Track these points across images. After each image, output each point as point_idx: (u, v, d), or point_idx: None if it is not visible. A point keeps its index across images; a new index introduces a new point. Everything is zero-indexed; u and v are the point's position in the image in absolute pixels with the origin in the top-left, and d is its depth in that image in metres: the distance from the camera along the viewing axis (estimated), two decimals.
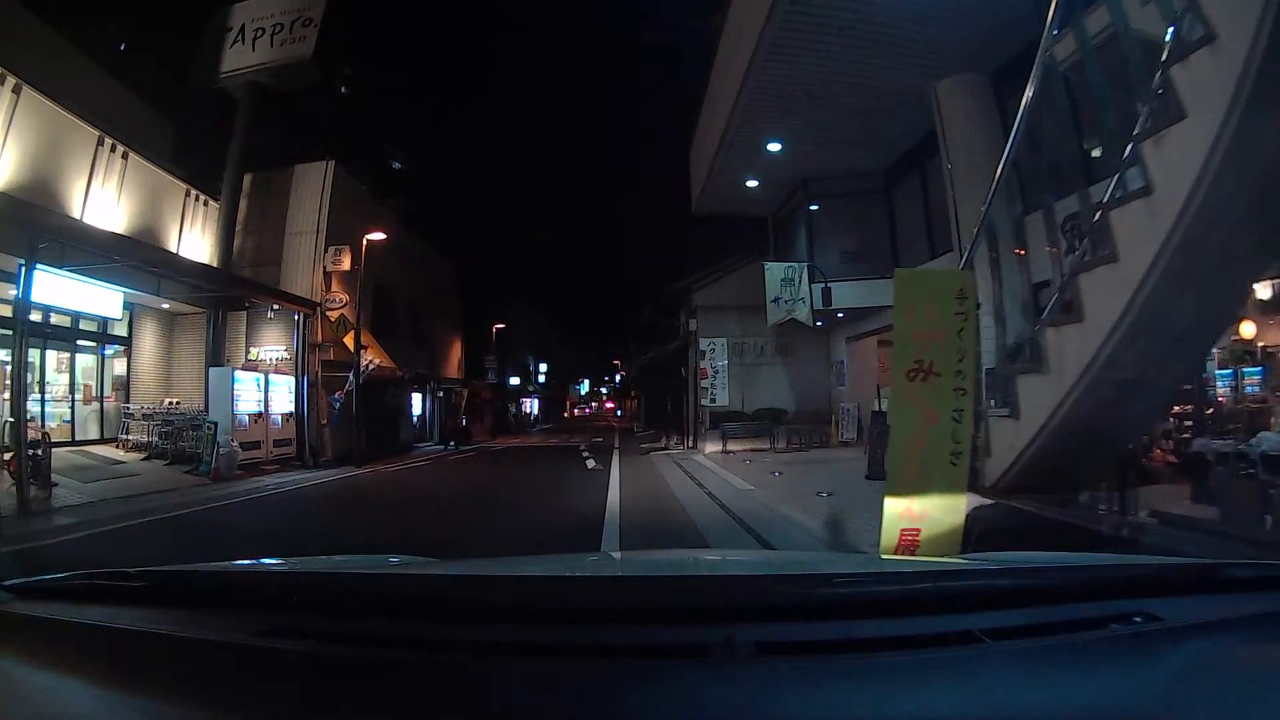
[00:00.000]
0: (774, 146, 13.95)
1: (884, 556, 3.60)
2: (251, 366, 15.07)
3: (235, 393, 13.44)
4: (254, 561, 1.82)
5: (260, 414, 14.15)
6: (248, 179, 17.32)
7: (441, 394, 26.15)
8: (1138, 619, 1.02)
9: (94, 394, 15.14)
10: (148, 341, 16.30)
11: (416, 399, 23.72)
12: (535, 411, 52.96)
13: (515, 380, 43.34)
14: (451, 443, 20.71)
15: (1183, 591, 1.16)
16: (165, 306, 16.00)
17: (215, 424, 12.80)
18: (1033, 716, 0.80)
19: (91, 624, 1.08)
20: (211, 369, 14.06)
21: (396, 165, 27.45)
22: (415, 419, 24.02)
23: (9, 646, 1.01)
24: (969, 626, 0.98)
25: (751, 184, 16.05)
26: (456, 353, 30.48)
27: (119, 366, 16.08)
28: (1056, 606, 1.09)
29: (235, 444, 12.77)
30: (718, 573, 1.82)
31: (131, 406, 14.95)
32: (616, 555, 3.60)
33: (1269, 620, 1.04)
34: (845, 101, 12.10)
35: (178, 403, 15.31)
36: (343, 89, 21.58)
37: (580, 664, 0.94)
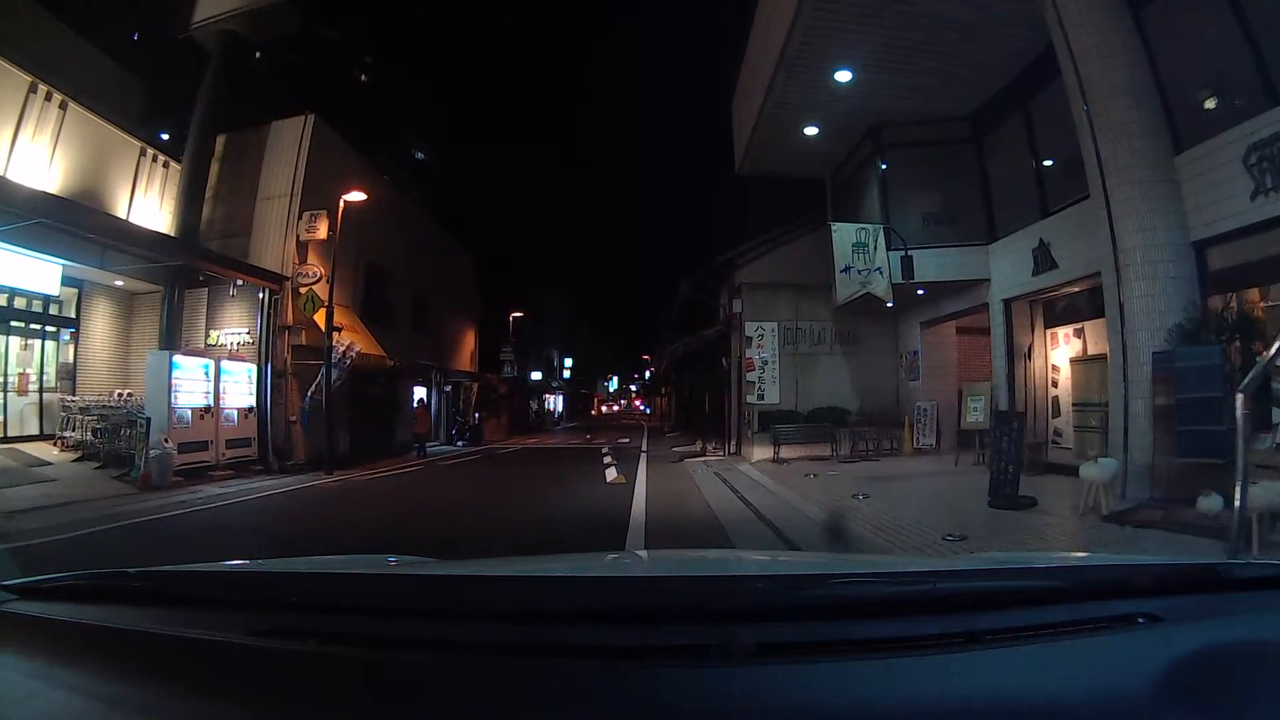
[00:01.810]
0: (843, 76, 11.27)
1: (884, 558, 3.85)
2: (200, 352, 12.52)
3: (174, 383, 10.93)
4: (254, 561, 1.79)
5: (208, 408, 11.65)
6: (220, 141, 14.97)
7: (449, 389, 23.53)
8: (1139, 619, 0.99)
9: (30, 383, 12.90)
10: (99, 324, 14.05)
11: (420, 394, 21.08)
12: (559, 408, 50.50)
13: (537, 375, 40.87)
14: (419, 448, 17.74)
15: (1183, 591, 1.11)
16: (120, 284, 13.71)
17: (149, 420, 10.37)
18: (1033, 716, 0.77)
19: (91, 624, 1.06)
20: (149, 355, 11.60)
21: (403, 141, 25.03)
22: None
23: (9, 646, 0.99)
24: (969, 627, 0.95)
25: (810, 131, 13.23)
26: (469, 345, 28.03)
27: (69, 353, 13.91)
28: (1056, 606, 1.04)
29: (170, 445, 10.27)
30: (718, 573, 1.69)
31: (70, 399, 12.67)
32: (618, 555, 3.05)
33: (1269, 620, 1.02)
34: (934, 9, 9.67)
35: (130, 395, 12.99)
36: (328, 40, 18.99)
37: (579, 664, 0.91)
